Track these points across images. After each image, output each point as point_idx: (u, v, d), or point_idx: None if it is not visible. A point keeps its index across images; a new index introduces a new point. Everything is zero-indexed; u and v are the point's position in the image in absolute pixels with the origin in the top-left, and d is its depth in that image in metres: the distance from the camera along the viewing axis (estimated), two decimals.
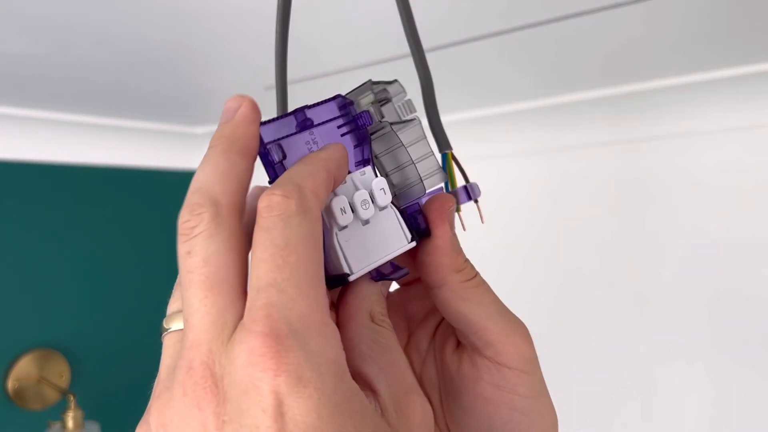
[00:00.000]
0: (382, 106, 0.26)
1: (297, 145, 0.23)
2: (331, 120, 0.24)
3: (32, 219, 0.97)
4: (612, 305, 0.94)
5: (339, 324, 0.23)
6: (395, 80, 0.26)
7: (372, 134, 0.25)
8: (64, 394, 0.94)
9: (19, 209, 0.96)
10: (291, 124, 0.24)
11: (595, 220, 0.96)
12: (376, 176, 0.24)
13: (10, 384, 0.92)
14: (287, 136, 0.23)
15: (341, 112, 0.24)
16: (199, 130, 1.13)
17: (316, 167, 0.22)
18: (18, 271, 0.95)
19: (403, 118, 0.26)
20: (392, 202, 0.24)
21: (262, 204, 0.20)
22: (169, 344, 0.21)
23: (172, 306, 0.23)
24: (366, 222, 0.23)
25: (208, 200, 0.21)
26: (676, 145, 0.89)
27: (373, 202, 0.23)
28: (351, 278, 0.23)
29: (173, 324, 0.22)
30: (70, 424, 0.89)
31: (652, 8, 0.57)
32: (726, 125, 0.85)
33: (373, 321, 0.23)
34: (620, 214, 0.94)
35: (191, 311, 0.20)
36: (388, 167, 0.26)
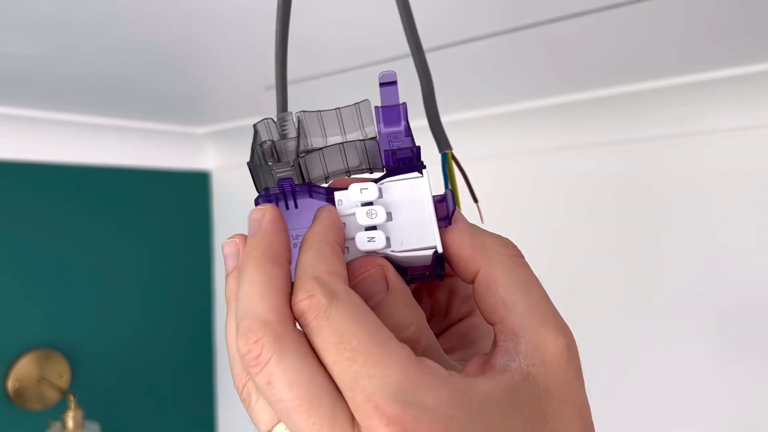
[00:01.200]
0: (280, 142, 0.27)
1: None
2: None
3: (32, 219, 0.97)
4: (612, 305, 0.94)
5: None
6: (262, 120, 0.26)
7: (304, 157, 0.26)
8: (64, 394, 0.94)
9: (19, 209, 0.96)
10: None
11: (595, 220, 0.96)
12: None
13: (10, 384, 0.92)
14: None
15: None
16: (200, 130, 1.13)
17: (320, 247, 0.22)
18: (18, 271, 0.95)
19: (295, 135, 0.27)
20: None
21: (297, 314, 0.21)
22: None
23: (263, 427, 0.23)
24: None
25: (259, 323, 0.21)
26: (676, 145, 0.89)
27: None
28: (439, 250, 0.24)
29: None
30: (70, 424, 0.89)
31: (652, 8, 0.57)
32: (726, 125, 0.85)
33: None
34: (620, 215, 0.94)
35: None
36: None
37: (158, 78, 0.77)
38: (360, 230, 0.24)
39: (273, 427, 0.23)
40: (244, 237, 0.25)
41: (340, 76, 0.78)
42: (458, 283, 0.28)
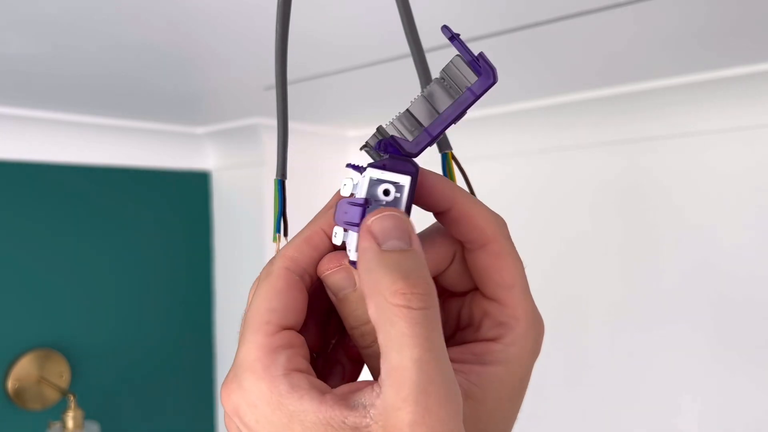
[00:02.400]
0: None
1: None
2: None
3: (32, 219, 0.97)
4: (611, 305, 0.94)
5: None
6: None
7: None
8: (64, 394, 0.94)
9: (18, 209, 0.96)
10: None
11: (594, 220, 0.96)
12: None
13: (10, 384, 0.92)
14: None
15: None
16: (199, 130, 1.13)
17: (301, 231, 0.26)
18: (18, 271, 0.95)
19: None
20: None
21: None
22: None
23: None
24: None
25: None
26: (676, 145, 0.89)
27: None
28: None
29: None
30: (70, 424, 0.89)
31: (652, 8, 0.57)
32: (726, 125, 0.85)
33: None
34: (620, 215, 0.94)
35: None
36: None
37: (158, 78, 0.77)
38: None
39: None
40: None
41: (340, 75, 0.78)
42: (493, 308, 0.27)
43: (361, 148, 0.26)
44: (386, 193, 0.24)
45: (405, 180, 0.24)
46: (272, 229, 0.28)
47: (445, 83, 0.24)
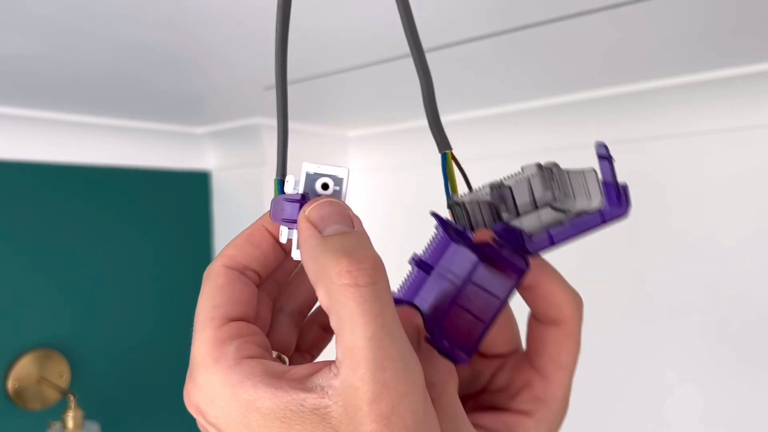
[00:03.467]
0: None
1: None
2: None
3: (32, 219, 0.97)
4: (610, 305, 0.94)
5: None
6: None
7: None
8: (64, 394, 0.94)
9: (19, 209, 0.96)
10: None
11: None
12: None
13: (10, 384, 0.92)
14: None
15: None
16: (199, 130, 1.13)
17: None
18: (18, 271, 0.95)
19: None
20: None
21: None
22: None
23: None
24: None
25: None
26: (676, 145, 0.89)
27: None
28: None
29: None
30: (70, 424, 0.89)
31: (652, 8, 0.57)
32: (726, 125, 0.85)
33: None
34: None
35: None
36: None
37: (158, 78, 0.77)
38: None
39: None
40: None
41: (340, 75, 0.78)
42: (537, 382, 0.27)
43: (450, 206, 0.26)
44: (325, 187, 0.24)
45: (343, 173, 0.24)
46: None
47: (555, 183, 0.24)
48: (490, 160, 1.05)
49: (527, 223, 0.25)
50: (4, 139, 0.93)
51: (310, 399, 0.20)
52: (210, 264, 0.26)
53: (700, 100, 0.85)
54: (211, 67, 0.74)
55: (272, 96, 0.85)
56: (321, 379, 0.21)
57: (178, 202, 1.15)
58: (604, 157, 0.23)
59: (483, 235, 0.25)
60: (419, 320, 0.25)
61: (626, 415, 0.92)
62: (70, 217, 1.01)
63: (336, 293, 0.21)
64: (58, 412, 0.94)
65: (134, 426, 1.07)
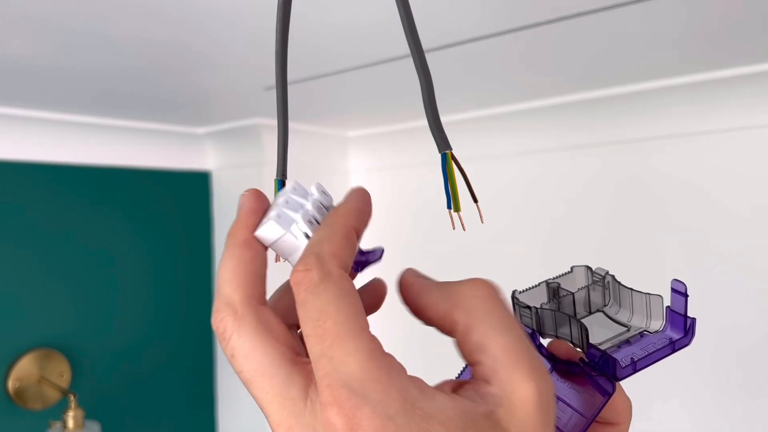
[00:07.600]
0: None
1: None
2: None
3: (33, 219, 0.97)
4: None
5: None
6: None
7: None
8: (64, 393, 0.94)
9: (18, 210, 0.96)
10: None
11: (594, 220, 0.96)
12: None
13: (11, 384, 0.92)
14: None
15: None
16: (199, 130, 1.13)
17: (333, 228, 0.24)
18: (18, 271, 0.95)
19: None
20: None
21: (292, 281, 0.23)
22: None
23: None
24: None
25: (224, 303, 0.24)
26: (676, 145, 0.89)
27: None
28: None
29: None
30: (70, 423, 0.89)
31: (653, 8, 0.57)
32: (726, 125, 0.85)
33: None
34: (620, 215, 0.94)
35: (262, 404, 0.22)
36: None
37: (158, 78, 0.78)
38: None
39: None
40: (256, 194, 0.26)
41: (340, 75, 0.78)
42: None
43: (515, 304, 0.29)
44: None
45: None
46: None
47: (608, 291, 0.26)
48: (490, 160, 1.05)
49: (595, 337, 0.27)
50: (4, 139, 0.93)
51: (480, 407, 0.21)
52: (326, 264, 0.23)
53: (700, 101, 0.85)
54: (211, 68, 0.74)
55: (272, 96, 0.85)
56: (469, 393, 0.22)
57: (179, 202, 1.15)
58: (682, 293, 0.26)
59: (565, 349, 0.28)
60: None
61: None
62: (71, 217, 1.01)
63: (482, 305, 0.23)
64: (58, 411, 0.94)
65: (134, 426, 1.07)
